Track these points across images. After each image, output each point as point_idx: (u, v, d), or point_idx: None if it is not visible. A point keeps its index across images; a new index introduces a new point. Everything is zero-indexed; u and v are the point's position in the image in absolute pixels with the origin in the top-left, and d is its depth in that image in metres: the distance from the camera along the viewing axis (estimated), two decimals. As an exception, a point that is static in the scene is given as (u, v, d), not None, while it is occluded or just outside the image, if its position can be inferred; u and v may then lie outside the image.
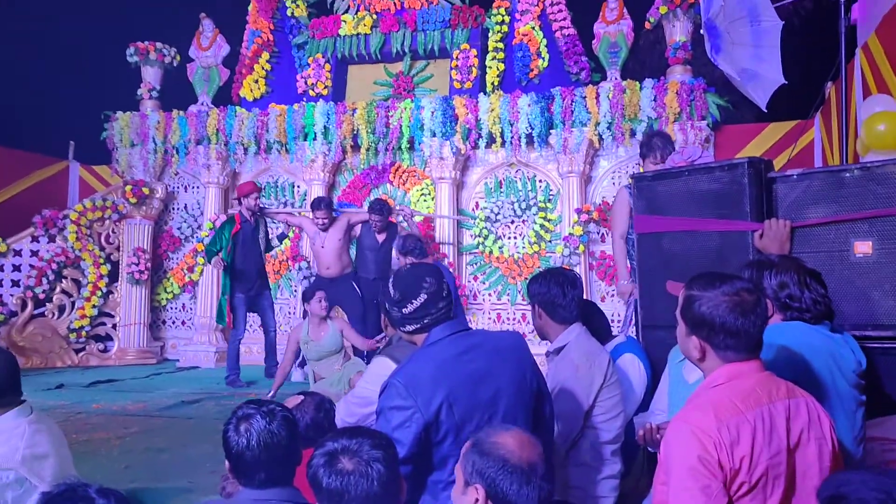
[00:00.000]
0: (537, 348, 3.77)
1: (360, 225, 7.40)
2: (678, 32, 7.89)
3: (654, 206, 3.48)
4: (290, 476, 2.03)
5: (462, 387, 2.27)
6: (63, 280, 8.85)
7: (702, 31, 4.32)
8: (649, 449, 2.81)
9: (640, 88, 7.77)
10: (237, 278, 7.21)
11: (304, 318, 6.11)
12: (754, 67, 4.34)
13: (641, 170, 4.63)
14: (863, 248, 2.93)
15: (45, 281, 8.68)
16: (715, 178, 3.23)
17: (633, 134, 7.81)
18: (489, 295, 8.43)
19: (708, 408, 1.75)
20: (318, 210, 7.24)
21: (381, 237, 7.23)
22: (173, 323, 9.55)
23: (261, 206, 7.41)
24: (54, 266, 8.73)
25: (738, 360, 1.84)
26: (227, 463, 2.03)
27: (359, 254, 7.35)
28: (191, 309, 9.38)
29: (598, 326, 3.45)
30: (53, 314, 8.76)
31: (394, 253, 6.48)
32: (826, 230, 3.02)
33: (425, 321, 2.40)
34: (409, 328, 2.44)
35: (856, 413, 2.36)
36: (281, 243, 7.97)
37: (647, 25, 8.09)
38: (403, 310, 2.40)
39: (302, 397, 2.87)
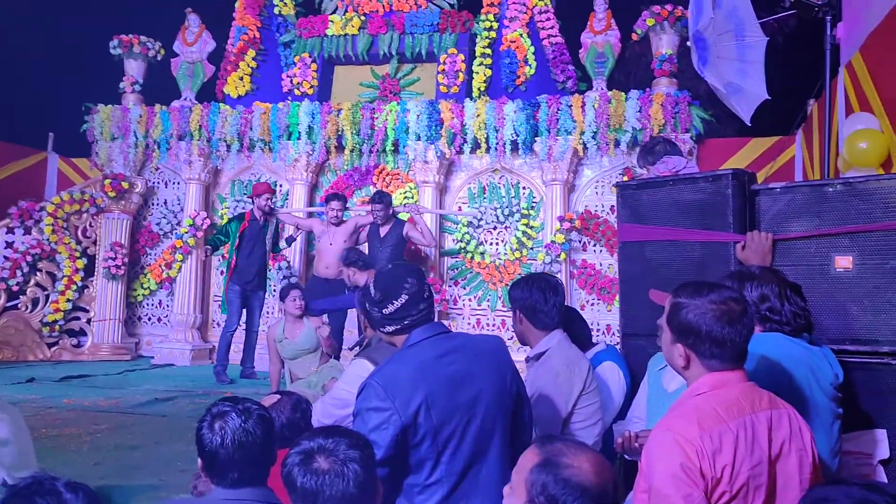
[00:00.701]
0: (517, 354, 3.75)
1: (366, 229, 7.36)
2: (664, 45, 7.95)
3: (637, 215, 3.49)
4: (264, 476, 2.00)
5: (441, 389, 2.25)
6: (38, 273, 8.72)
7: (689, 44, 4.35)
8: (626, 457, 2.81)
9: (626, 99, 7.82)
10: (237, 272, 7.32)
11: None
12: (739, 82, 4.37)
13: (625, 179, 4.63)
14: (843, 262, 2.95)
15: (19, 273, 8.54)
16: (699, 189, 3.24)
17: (617, 144, 7.86)
18: (469, 300, 8.42)
19: (691, 416, 1.74)
20: (333, 202, 7.26)
21: (384, 230, 7.17)
22: (149, 319, 9.44)
23: (272, 206, 7.41)
24: (29, 258, 8.60)
25: (723, 369, 1.84)
26: (199, 461, 1.99)
27: (369, 255, 7.15)
28: (167, 306, 9.28)
29: (578, 333, 3.44)
30: (27, 307, 8.63)
31: (336, 263, 6.48)
32: (807, 244, 3.03)
33: (405, 322, 2.37)
34: (389, 329, 2.41)
35: (832, 426, 2.37)
36: (289, 245, 7.92)
37: (634, 37, 8.15)
38: (384, 310, 2.37)
39: (278, 396, 2.83)
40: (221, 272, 9.26)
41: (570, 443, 1.64)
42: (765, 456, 1.74)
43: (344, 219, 7.44)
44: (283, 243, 7.81)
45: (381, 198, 7.17)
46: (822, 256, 3.00)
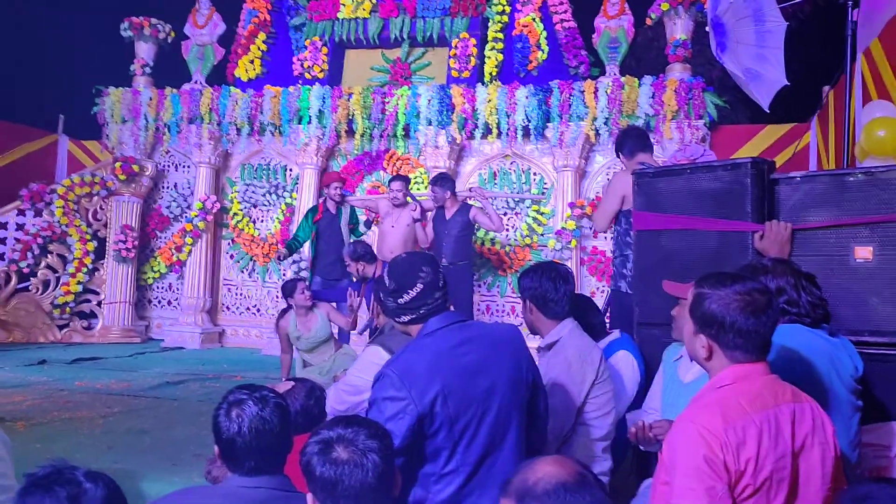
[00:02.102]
0: (530, 342, 3.73)
1: (432, 213, 7.05)
2: (679, 30, 7.86)
3: (653, 203, 3.46)
4: (280, 464, 2.00)
5: (457, 379, 2.24)
6: (48, 255, 8.75)
7: (707, 29, 4.30)
8: (641, 447, 2.79)
9: (639, 85, 7.74)
10: (318, 264, 7.25)
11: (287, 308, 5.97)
12: (757, 67, 4.32)
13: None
14: (863, 253, 2.92)
15: (30, 255, 8.58)
16: (717, 177, 3.20)
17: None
18: (479, 286, 8.40)
19: (715, 408, 1.73)
20: (393, 182, 7.02)
21: (448, 213, 6.78)
22: (159, 302, 9.47)
23: (342, 194, 7.31)
24: (40, 240, 8.63)
25: (746, 360, 1.82)
26: (216, 448, 1.99)
27: (434, 242, 6.91)
28: (177, 289, 9.31)
29: (593, 322, 3.43)
30: (37, 289, 8.66)
31: (345, 258, 6.33)
32: (827, 234, 3.00)
33: (421, 311, 2.36)
34: (405, 318, 2.40)
35: (852, 418, 2.36)
36: (368, 229, 7.81)
37: (649, 22, 8.05)
38: (399, 300, 2.36)
39: (292, 383, 2.83)
40: (232, 255, 9.30)
41: (522, 469, 1.55)
42: (788, 449, 1.73)
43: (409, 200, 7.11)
44: (362, 227, 7.65)
45: (436, 180, 6.88)
46: (842, 247, 2.97)
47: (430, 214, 7.01)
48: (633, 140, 4.57)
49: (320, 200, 7.63)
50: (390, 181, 7.24)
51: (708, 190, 3.25)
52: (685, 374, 2.82)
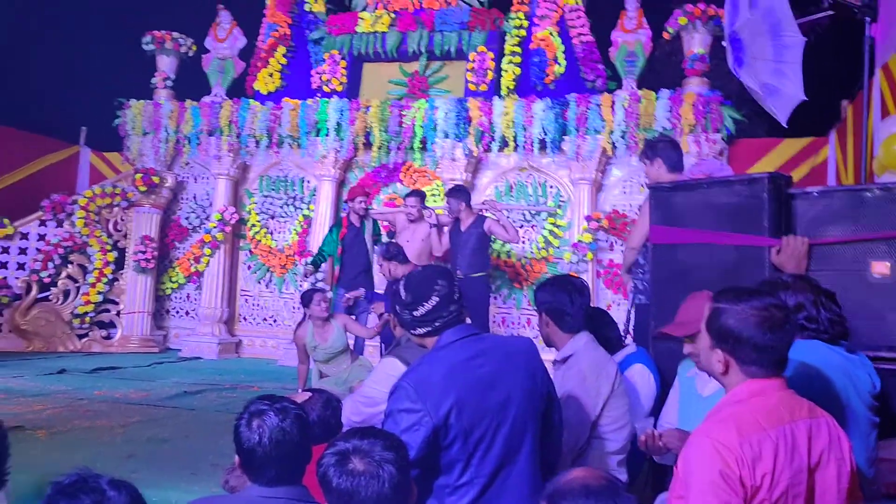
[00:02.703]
0: (545, 355, 3.74)
1: (448, 227, 7.05)
2: (696, 44, 7.87)
3: (670, 217, 3.47)
4: (299, 474, 2.02)
5: (472, 391, 2.25)
6: (69, 265, 8.85)
7: (724, 44, 4.30)
8: (652, 457, 2.79)
9: (656, 98, 7.75)
10: (343, 277, 7.25)
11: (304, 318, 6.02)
12: (775, 82, 4.32)
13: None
14: (880, 268, 2.91)
15: (50, 265, 8.68)
16: (734, 192, 3.21)
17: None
18: (494, 299, 8.40)
19: (730, 423, 1.73)
20: (409, 198, 7.13)
21: (463, 226, 6.79)
22: (177, 313, 9.55)
23: (366, 208, 7.35)
24: (61, 251, 8.74)
25: (763, 376, 1.82)
26: (236, 457, 2.02)
27: (451, 254, 6.93)
28: (195, 299, 9.38)
29: (609, 336, 3.44)
30: (58, 299, 8.76)
31: (376, 258, 6.33)
32: (844, 249, 3.00)
33: (436, 324, 2.38)
34: (420, 331, 2.42)
35: (869, 435, 2.35)
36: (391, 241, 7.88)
37: (666, 36, 8.07)
38: (414, 312, 2.38)
39: (309, 394, 2.85)
40: (249, 266, 9.37)
41: (559, 475, 1.69)
42: (804, 465, 1.73)
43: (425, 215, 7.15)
44: (385, 238, 7.66)
45: (451, 192, 6.89)
46: (859, 262, 2.97)
47: (445, 228, 7.04)
48: (678, 155, 4.41)
49: (343, 214, 7.68)
50: (405, 197, 7.30)
51: (725, 204, 3.25)
52: (703, 387, 2.82)
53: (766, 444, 1.71)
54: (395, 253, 6.00)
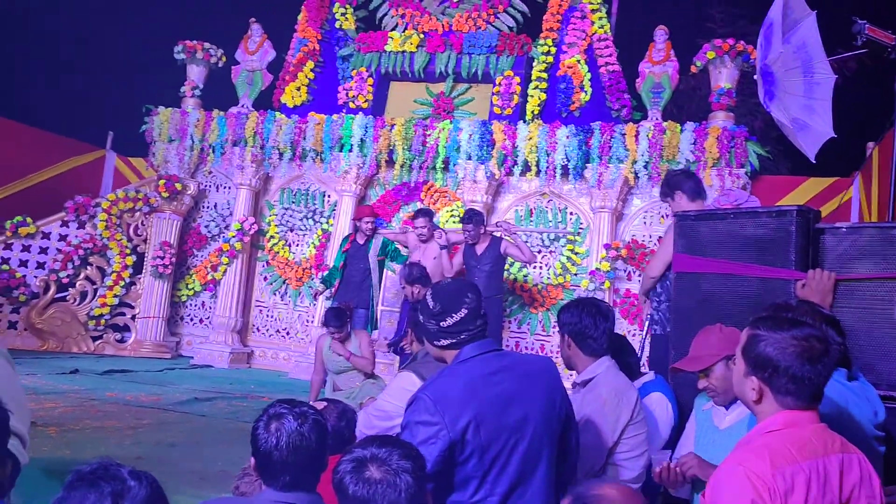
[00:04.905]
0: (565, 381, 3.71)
1: (460, 248, 7.07)
2: (724, 78, 7.87)
3: (694, 246, 3.44)
4: (315, 481, 2.00)
5: (490, 408, 2.24)
6: (88, 267, 8.91)
7: (755, 77, 4.30)
8: (668, 490, 2.75)
9: (681, 131, 7.74)
10: (339, 291, 7.41)
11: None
12: (805, 118, 4.31)
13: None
14: (908, 307, 2.87)
15: (70, 266, 8.75)
16: (761, 224, 3.19)
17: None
18: (508, 323, 8.37)
19: (764, 453, 1.70)
20: (417, 219, 7.16)
21: (479, 248, 6.82)
22: (191, 320, 9.58)
23: (373, 227, 7.47)
24: (81, 252, 8.80)
25: (797, 407, 1.79)
26: (252, 459, 2.01)
27: (467, 276, 6.91)
28: (210, 307, 9.41)
29: (628, 362, 3.40)
30: (75, 300, 8.81)
31: (400, 281, 6.30)
32: (871, 286, 2.96)
33: (461, 336, 2.37)
34: (444, 343, 2.41)
35: (874, 464, 2.29)
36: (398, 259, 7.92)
37: (693, 69, 8.08)
38: (441, 323, 2.37)
39: (325, 404, 2.84)
40: (265, 277, 9.40)
41: (592, 481, 1.74)
42: (836, 500, 1.70)
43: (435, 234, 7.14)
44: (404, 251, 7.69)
45: (471, 217, 6.85)
46: (886, 300, 2.92)
47: (460, 247, 7.04)
48: (696, 184, 4.52)
49: (352, 232, 7.75)
50: (414, 216, 7.30)
51: (751, 236, 3.23)
52: (720, 420, 2.78)
53: (798, 477, 1.67)
54: (417, 276, 5.93)
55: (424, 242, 7.08)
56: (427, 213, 7.27)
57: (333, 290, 7.47)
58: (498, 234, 7.01)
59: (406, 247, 7.51)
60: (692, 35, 8.56)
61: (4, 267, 8.53)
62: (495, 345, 2.47)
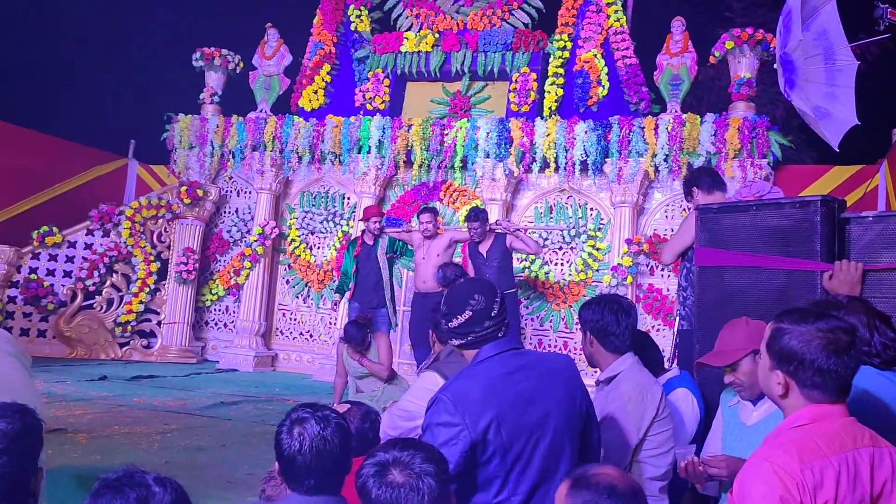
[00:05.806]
0: (587, 378, 3.69)
1: (466, 245, 7.12)
2: (743, 68, 7.78)
3: (717, 239, 3.40)
4: (338, 484, 2.00)
5: (511, 407, 2.23)
6: (114, 274, 9.03)
7: (775, 66, 4.24)
8: (695, 485, 2.71)
9: (701, 122, 7.66)
10: (357, 292, 7.40)
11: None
12: (827, 106, 4.24)
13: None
14: (938, 297, 2.82)
15: (96, 274, 8.87)
16: (785, 215, 3.14)
17: (689, 168, 7.69)
18: (531, 320, 8.34)
19: (791, 448, 1.67)
20: (423, 214, 7.22)
21: (483, 248, 6.85)
22: (216, 324, 9.65)
23: (381, 227, 7.47)
24: (106, 260, 8.92)
25: (824, 401, 1.76)
26: (276, 464, 2.01)
27: (475, 273, 6.90)
28: (234, 312, 9.48)
29: (651, 358, 3.37)
30: (101, 307, 8.93)
31: (436, 283, 6.30)
32: (899, 276, 2.91)
33: (469, 338, 2.36)
34: (455, 342, 2.42)
35: None
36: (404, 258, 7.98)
37: (712, 60, 8.00)
38: (449, 324, 2.38)
39: (349, 405, 2.84)
40: (288, 281, 9.45)
41: (592, 464, 1.81)
42: (867, 494, 1.66)
43: (441, 231, 7.25)
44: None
45: (476, 215, 6.87)
46: (915, 290, 2.87)
47: (463, 246, 7.12)
48: (711, 177, 4.48)
49: (359, 234, 7.76)
50: (419, 213, 7.31)
51: (775, 227, 3.18)
52: (747, 417, 2.74)
53: (828, 472, 1.64)
54: (452, 277, 5.85)
55: (429, 239, 7.11)
56: (432, 210, 7.31)
57: (349, 294, 7.48)
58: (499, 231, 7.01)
59: (411, 245, 7.55)
60: (710, 25, 8.46)
61: (33, 276, 8.67)
62: (514, 343, 2.46)
